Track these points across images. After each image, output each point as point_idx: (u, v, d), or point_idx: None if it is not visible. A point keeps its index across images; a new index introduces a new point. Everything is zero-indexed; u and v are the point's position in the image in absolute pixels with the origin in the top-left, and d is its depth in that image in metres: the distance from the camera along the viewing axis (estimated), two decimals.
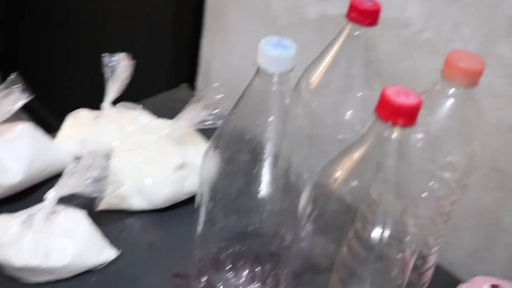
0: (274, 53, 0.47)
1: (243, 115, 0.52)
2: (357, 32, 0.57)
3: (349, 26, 0.57)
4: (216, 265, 0.62)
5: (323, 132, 0.59)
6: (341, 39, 0.58)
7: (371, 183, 0.45)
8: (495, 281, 0.64)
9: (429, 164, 0.52)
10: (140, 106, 0.85)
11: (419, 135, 0.53)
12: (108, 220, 0.73)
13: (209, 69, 1.11)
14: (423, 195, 0.53)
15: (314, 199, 0.46)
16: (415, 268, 0.59)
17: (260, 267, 0.63)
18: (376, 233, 0.45)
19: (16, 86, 0.73)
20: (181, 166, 0.75)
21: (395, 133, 0.42)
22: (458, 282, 0.69)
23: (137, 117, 0.84)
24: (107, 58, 0.82)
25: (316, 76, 0.59)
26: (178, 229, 0.63)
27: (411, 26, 0.79)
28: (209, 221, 0.58)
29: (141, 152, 0.75)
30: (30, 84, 1.83)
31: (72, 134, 0.79)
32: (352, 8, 0.56)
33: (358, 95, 0.58)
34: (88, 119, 0.82)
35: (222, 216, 0.56)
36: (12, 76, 0.73)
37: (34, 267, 0.62)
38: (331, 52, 0.58)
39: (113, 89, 0.82)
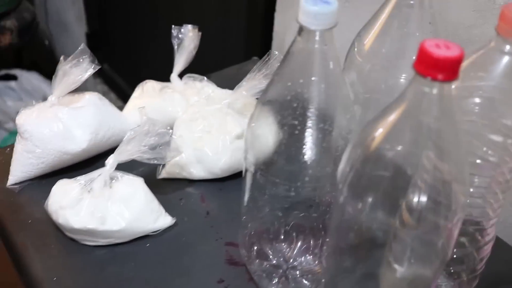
0: (315, 8, 0.45)
1: (287, 76, 0.50)
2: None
3: None
4: (267, 235, 0.61)
5: (377, 96, 0.56)
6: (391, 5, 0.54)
7: (412, 145, 0.42)
8: None
9: (482, 128, 0.48)
10: (205, 78, 0.85)
11: (477, 99, 0.49)
12: (167, 188, 0.73)
13: (282, 43, 1.09)
14: (477, 161, 0.48)
15: (353, 161, 0.44)
16: (473, 240, 0.55)
17: (312, 239, 0.61)
18: (418, 198, 0.41)
19: (85, 56, 0.74)
20: (240, 136, 0.74)
21: (436, 89, 0.39)
22: None
23: (202, 89, 0.84)
24: (175, 30, 0.82)
25: (370, 38, 0.55)
26: (236, 199, 0.62)
27: None
28: (257, 188, 0.56)
29: (202, 122, 0.75)
30: (114, 60, 1.90)
31: (138, 104, 0.80)
32: None
33: (413, 58, 0.54)
34: (155, 90, 0.83)
35: (269, 183, 0.54)
36: (81, 46, 0.74)
37: (91, 230, 0.64)
38: (384, 12, 0.54)
39: (180, 61, 0.82)
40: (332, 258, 0.51)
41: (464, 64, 0.48)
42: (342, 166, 0.45)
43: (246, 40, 1.18)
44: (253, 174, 0.56)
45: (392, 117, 0.41)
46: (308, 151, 0.51)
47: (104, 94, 1.96)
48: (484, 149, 0.47)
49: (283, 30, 1.08)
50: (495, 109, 0.47)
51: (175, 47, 0.82)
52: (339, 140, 0.51)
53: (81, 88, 0.76)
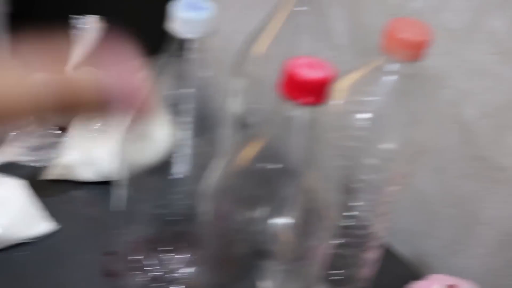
0: (187, 15, 0.41)
1: (164, 84, 0.46)
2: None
3: None
4: (146, 246, 0.58)
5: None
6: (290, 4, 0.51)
7: (280, 166, 0.39)
8: (452, 281, 0.58)
9: (373, 143, 0.46)
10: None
11: (365, 115, 0.47)
12: (53, 191, 0.69)
13: None
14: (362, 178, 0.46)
15: (224, 176, 0.41)
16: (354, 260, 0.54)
17: (192, 252, 0.58)
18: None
19: None
20: (139, 137, 0.69)
21: (301, 112, 0.36)
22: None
23: None
24: (76, 21, 0.76)
25: (261, 44, 0.52)
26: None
27: None
28: (131, 199, 0.53)
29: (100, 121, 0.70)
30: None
31: None
32: None
33: None
34: None
35: (140, 195, 0.51)
36: None
37: None
38: (277, 17, 0.51)
39: (77, 53, 0.76)
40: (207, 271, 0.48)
41: (356, 77, 0.46)
42: (212, 180, 0.42)
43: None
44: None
45: (260, 138, 0.38)
46: (180, 167, 0.48)
47: None
48: (373, 162, 0.45)
49: None
50: (377, 131, 0.46)
51: (75, 38, 0.76)
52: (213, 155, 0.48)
53: None
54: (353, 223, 0.52)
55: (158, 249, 0.58)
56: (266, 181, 0.40)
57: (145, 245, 0.58)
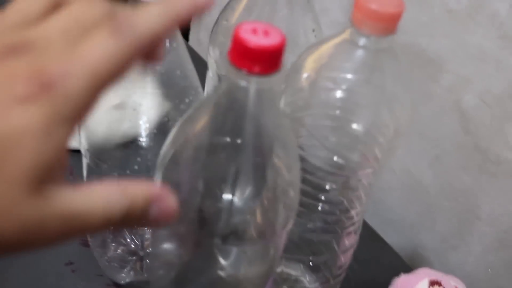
0: None
1: None
2: None
3: None
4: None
5: None
6: None
7: (233, 139, 0.37)
8: (437, 276, 0.54)
9: (346, 123, 0.43)
10: None
11: (339, 92, 0.44)
12: None
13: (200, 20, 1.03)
14: (335, 160, 0.44)
15: (174, 146, 0.39)
16: (329, 248, 0.51)
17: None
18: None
19: None
20: (118, 106, 0.68)
21: (252, 83, 0.33)
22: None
23: None
24: None
25: (234, 14, 0.50)
26: None
27: None
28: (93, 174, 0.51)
29: None
30: None
31: None
32: None
33: None
34: None
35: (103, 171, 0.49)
36: None
37: None
38: None
39: None
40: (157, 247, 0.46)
41: (328, 51, 0.43)
42: (164, 148, 0.40)
43: None
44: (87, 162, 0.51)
45: (209, 109, 0.36)
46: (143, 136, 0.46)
47: None
48: (344, 142, 0.42)
49: None
50: (345, 110, 0.42)
51: None
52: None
53: None
54: (327, 207, 0.49)
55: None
56: (222, 155, 0.38)
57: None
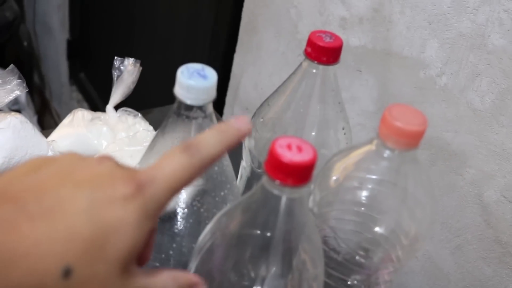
0: (190, 82, 0.43)
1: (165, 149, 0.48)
2: (314, 70, 0.51)
3: (306, 63, 0.51)
4: None
5: None
6: (298, 76, 0.52)
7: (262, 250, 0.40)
8: None
9: (370, 219, 0.45)
10: (139, 114, 0.83)
11: (365, 192, 0.47)
12: None
13: (238, 85, 1.08)
14: (356, 259, 0.46)
15: (210, 240, 0.42)
16: None
17: None
18: None
19: (12, 77, 0.73)
20: None
21: (284, 193, 0.37)
22: None
23: (133, 125, 0.82)
24: (117, 61, 0.80)
25: (270, 112, 0.54)
26: None
27: (428, 68, 0.72)
28: None
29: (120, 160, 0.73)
30: (90, 69, 1.86)
31: (65, 132, 0.79)
32: (309, 43, 0.50)
33: (312, 134, 0.52)
34: (85, 120, 0.81)
35: None
36: (10, 67, 0.73)
37: None
38: (288, 88, 0.53)
39: (117, 92, 0.81)
40: None
41: (355, 158, 0.46)
42: (201, 238, 0.43)
43: None
44: None
45: (244, 211, 0.39)
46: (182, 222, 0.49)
47: (78, 102, 1.95)
48: (368, 242, 0.45)
49: (240, 72, 1.07)
50: (368, 218, 0.45)
51: (115, 78, 0.80)
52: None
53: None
54: None
55: None
56: (253, 251, 0.41)
57: None
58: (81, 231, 0.28)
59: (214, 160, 0.33)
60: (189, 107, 0.44)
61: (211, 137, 0.33)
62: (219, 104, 1.13)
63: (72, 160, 0.32)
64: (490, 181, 0.66)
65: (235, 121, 0.34)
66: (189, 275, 0.35)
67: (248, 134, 0.35)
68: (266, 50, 0.99)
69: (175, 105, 0.45)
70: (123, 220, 0.29)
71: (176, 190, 0.32)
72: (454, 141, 0.69)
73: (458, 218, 0.71)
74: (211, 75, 0.43)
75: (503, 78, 0.64)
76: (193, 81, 0.42)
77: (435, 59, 0.71)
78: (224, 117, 1.14)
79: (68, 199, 0.29)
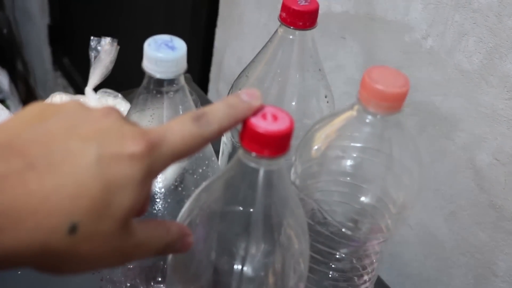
0: (158, 55, 0.40)
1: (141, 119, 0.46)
2: (291, 36, 0.49)
3: (282, 29, 0.49)
4: (143, 274, 0.57)
5: None
6: (274, 44, 0.49)
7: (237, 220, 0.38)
8: None
9: (356, 189, 0.43)
10: (119, 95, 0.81)
11: (349, 161, 0.45)
12: None
13: (221, 61, 1.05)
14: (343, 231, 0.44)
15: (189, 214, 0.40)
16: None
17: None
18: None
19: None
20: None
21: (261, 165, 0.34)
22: None
23: (114, 106, 0.79)
24: (94, 42, 0.78)
25: (248, 84, 0.51)
26: None
27: (413, 31, 0.69)
28: None
29: None
30: (74, 55, 1.84)
31: None
32: (284, 8, 0.47)
33: (292, 103, 0.50)
34: None
35: None
36: None
37: None
38: (264, 58, 0.50)
39: (95, 73, 0.78)
40: None
41: (336, 125, 0.44)
42: (180, 216, 0.41)
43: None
44: None
45: (222, 185, 0.37)
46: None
47: (64, 88, 1.92)
48: (355, 213, 0.43)
49: (223, 47, 1.04)
50: (355, 182, 0.43)
51: (92, 59, 0.78)
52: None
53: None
54: (337, 275, 0.49)
55: (153, 278, 0.57)
56: (234, 226, 0.39)
57: (140, 273, 0.58)
58: (88, 188, 0.28)
59: (221, 134, 0.33)
60: (160, 82, 0.41)
61: (222, 111, 0.33)
62: (203, 81, 1.11)
63: (77, 111, 0.31)
64: (481, 144, 0.65)
65: (246, 95, 0.34)
66: (179, 225, 0.36)
67: (258, 109, 0.34)
68: (247, 23, 0.96)
69: (144, 81, 0.42)
70: (129, 178, 0.30)
71: (180, 157, 0.32)
72: (443, 105, 0.67)
73: (450, 184, 0.70)
74: (180, 46, 0.41)
75: (490, 37, 0.61)
76: (162, 53, 0.40)
77: (419, 21, 0.68)
78: (209, 94, 1.12)
79: (76, 154, 0.29)
